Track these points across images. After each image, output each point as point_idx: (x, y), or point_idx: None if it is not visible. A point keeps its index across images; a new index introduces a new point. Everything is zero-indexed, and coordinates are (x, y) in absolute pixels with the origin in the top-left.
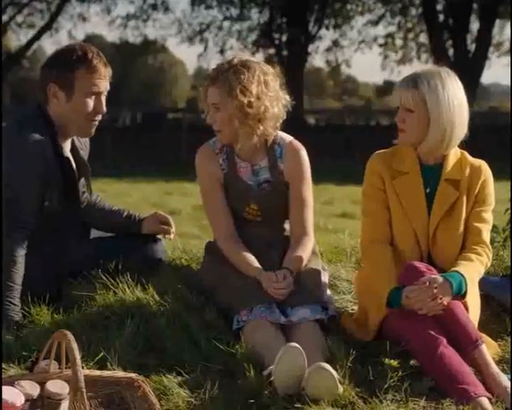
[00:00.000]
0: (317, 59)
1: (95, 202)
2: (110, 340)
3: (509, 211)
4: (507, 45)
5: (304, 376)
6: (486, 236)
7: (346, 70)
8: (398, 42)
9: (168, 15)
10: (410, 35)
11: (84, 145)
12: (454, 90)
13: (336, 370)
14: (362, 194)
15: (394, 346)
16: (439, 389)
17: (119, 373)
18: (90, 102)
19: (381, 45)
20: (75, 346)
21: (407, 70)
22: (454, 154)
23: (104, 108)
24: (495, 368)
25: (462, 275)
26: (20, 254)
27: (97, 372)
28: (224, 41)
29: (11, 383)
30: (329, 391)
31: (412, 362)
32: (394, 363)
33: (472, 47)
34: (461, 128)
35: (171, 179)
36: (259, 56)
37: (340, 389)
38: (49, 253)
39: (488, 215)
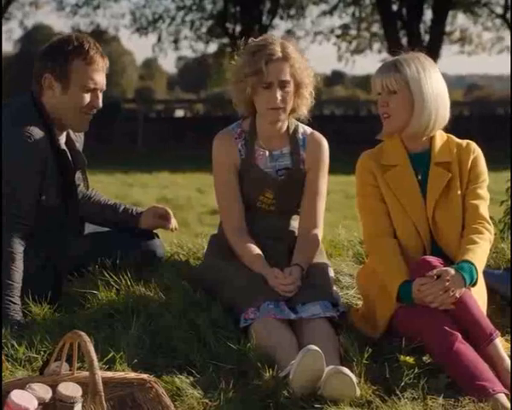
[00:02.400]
0: None
1: (90, 196)
2: (117, 339)
3: (506, 203)
4: (457, 35)
5: (321, 377)
6: (484, 211)
7: None
8: (352, 32)
9: (120, 4)
10: (364, 25)
11: (78, 137)
12: (434, 74)
13: (351, 368)
14: (356, 194)
15: (406, 342)
16: (456, 386)
17: (131, 374)
18: (86, 97)
19: (338, 36)
20: (91, 348)
21: (361, 60)
22: (440, 137)
23: (100, 104)
24: (510, 363)
25: (471, 263)
26: (19, 250)
27: (109, 374)
28: (178, 31)
29: (22, 387)
30: (347, 395)
31: (425, 358)
32: (410, 360)
33: (425, 37)
34: (444, 111)
35: (129, 171)
36: (213, 47)
37: (358, 391)
38: (47, 249)
39: (483, 191)
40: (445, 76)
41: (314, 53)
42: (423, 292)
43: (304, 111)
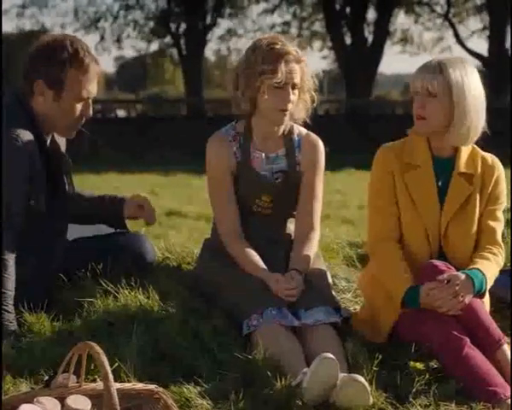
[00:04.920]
0: (206, 49)
1: (77, 194)
2: (119, 349)
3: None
4: (398, 35)
5: (335, 385)
6: (499, 235)
7: (233, 60)
8: (294, 30)
9: (67, 3)
10: (305, 24)
11: (60, 139)
12: (476, 81)
13: (362, 375)
14: (370, 188)
15: (412, 347)
16: (466, 392)
17: (139, 385)
18: (78, 106)
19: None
20: (105, 359)
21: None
22: (465, 147)
23: (91, 113)
24: None
25: (483, 273)
26: (11, 257)
27: (117, 385)
28: (121, 30)
29: (30, 400)
30: (361, 403)
31: (432, 363)
32: (420, 366)
33: (369, 36)
34: (481, 122)
35: (75, 171)
36: (155, 45)
37: (371, 399)
38: (36, 255)
39: (501, 214)
40: (383, 76)
41: None
42: (432, 296)
43: (302, 115)
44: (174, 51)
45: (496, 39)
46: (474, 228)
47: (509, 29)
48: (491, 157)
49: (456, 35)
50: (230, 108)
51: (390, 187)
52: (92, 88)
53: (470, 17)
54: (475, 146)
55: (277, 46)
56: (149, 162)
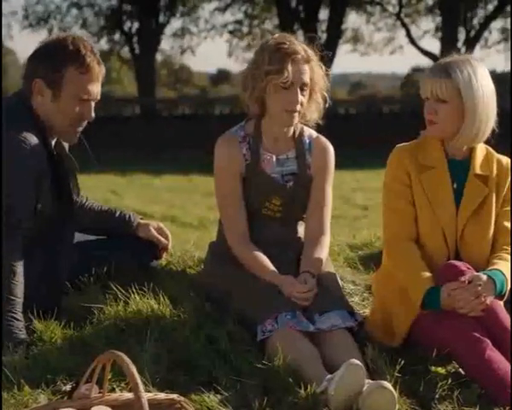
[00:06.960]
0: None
1: (82, 203)
2: (134, 356)
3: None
4: (349, 33)
5: (361, 392)
6: None
7: (181, 59)
8: (245, 29)
9: (10, 2)
10: (256, 22)
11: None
12: (486, 80)
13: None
14: (385, 188)
15: (431, 351)
16: (488, 395)
17: (161, 395)
18: (77, 107)
19: (230, 32)
20: (134, 369)
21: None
22: (480, 148)
23: (92, 115)
24: None
25: (503, 274)
26: (19, 263)
27: None
28: (70, 27)
29: None
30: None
31: (450, 367)
32: (442, 371)
33: (322, 36)
34: (492, 119)
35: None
36: (103, 45)
37: (397, 406)
38: (44, 260)
39: None
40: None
41: (201, 51)
42: (454, 297)
43: (314, 116)
44: (122, 50)
45: (448, 39)
46: (491, 230)
47: (460, 29)
48: (505, 159)
49: (409, 35)
50: (181, 107)
51: (406, 187)
52: (94, 89)
53: (422, 17)
54: (489, 148)
55: (285, 46)
56: (106, 162)
